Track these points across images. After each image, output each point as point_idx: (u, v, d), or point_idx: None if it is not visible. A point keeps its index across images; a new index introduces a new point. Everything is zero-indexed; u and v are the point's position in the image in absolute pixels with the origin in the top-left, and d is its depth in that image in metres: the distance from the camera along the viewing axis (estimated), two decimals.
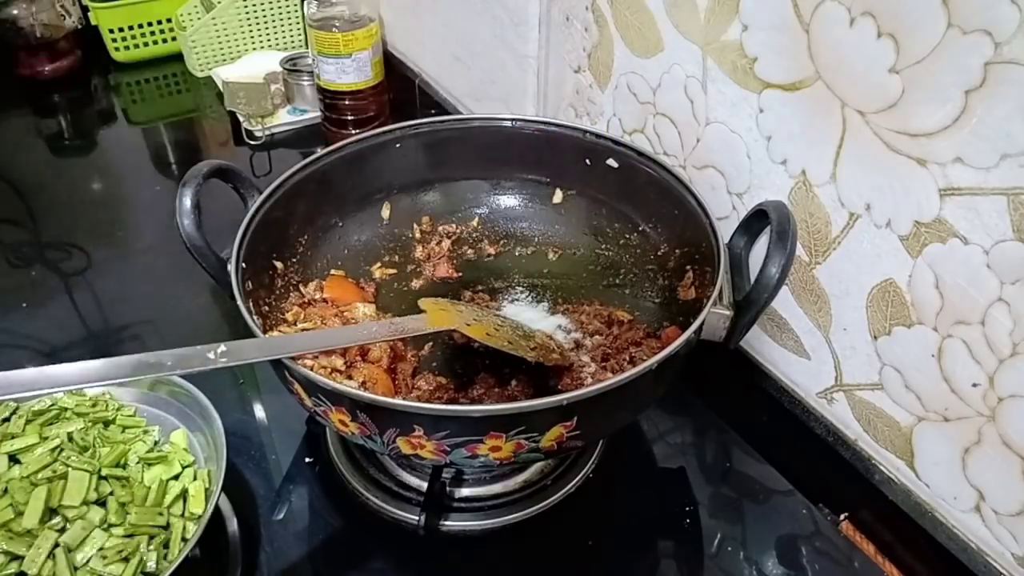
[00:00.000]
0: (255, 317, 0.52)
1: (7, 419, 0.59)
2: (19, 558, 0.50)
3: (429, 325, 0.53)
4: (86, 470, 0.55)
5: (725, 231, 0.56)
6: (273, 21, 1.23)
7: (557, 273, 0.71)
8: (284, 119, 1.10)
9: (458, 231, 0.74)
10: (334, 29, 0.97)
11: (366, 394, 0.45)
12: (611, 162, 0.66)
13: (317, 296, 0.64)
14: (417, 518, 0.56)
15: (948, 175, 0.47)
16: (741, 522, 0.60)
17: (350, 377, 0.57)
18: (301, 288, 0.64)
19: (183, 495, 0.56)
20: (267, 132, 1.07)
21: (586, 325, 0.63)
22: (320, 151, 0.64)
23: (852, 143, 0.52)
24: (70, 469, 0.55)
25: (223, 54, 1.22)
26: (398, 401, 0.49)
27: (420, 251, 0.72)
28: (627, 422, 0.64)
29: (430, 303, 0.55)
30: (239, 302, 0.51)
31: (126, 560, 0.51)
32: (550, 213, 0.73)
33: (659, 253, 0.66)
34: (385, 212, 0.72)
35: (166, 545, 0.53)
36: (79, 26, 1.23)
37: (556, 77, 0.83)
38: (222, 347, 0.44)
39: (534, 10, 0.81)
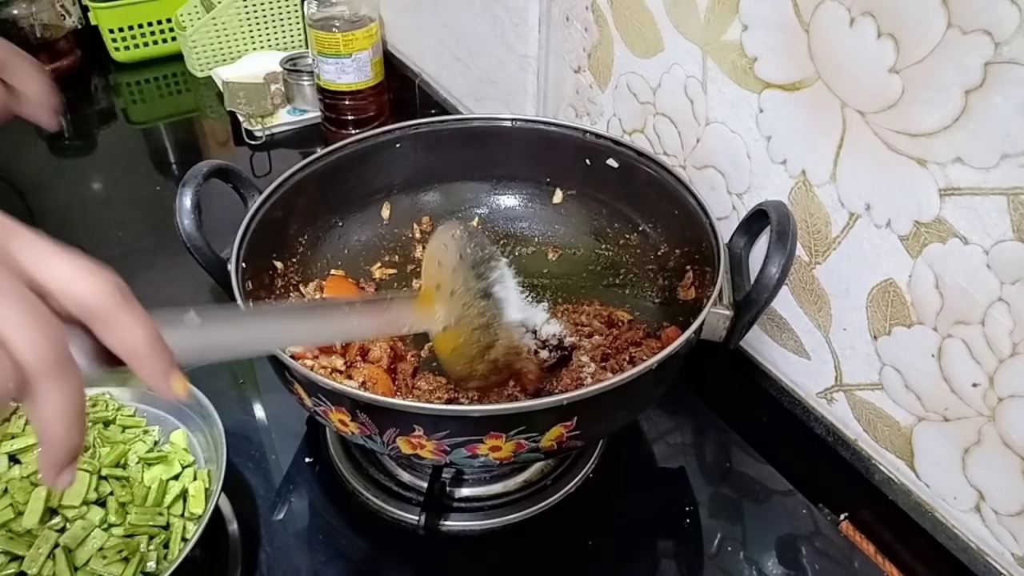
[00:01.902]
0: None
1: (7, 419, 0.59)
2: (19, 558, 0.51)
3: (414, 319, 0.51)
4: (86, 470, 0.55)
5: (725, 231, 0.56)
6: (273, 21, 1.23)
7: (557, 273, 0.71)
8: (284, 119, 1.10)
9: None
10: (334, 29, 0.97)
11: (366, 394, 0.45)
12: (611, 162, 0.66)
13: (317, 296, 0.64)
14: (417, 518, 0.56)
15: (948, 175, 0.47)
16: (741, 522, 0.60)
17: (350, 377, 0.57)
18: (301, 288, 0.64)
19: (183, 495, 0.56)
20: (267, 132, 1.07)
21: (586, 325, 0.63)
22: (320, 151, 0.64)
23: (852, 143, 0.52)
24: None
25: (223, 54, 1.22)
26: (398, 401, 0.49)
27: (420, 251, 0.72)
28: (627, 422, 0.64)
29: (431, 287, 0.52)
30: (239, 302, 0.51)
31: (126, 560, 0.51)
32: (550, 213, 0.73)
33: (659, 253, 0.66)
34: (385, 212, 0.72)
35: (166, 545, 0.53)
36: (79, 26, 1.23)
37: (556, 77, 0.83)
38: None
39: (534, 10, 0.81)
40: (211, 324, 0.35)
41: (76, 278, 0.29)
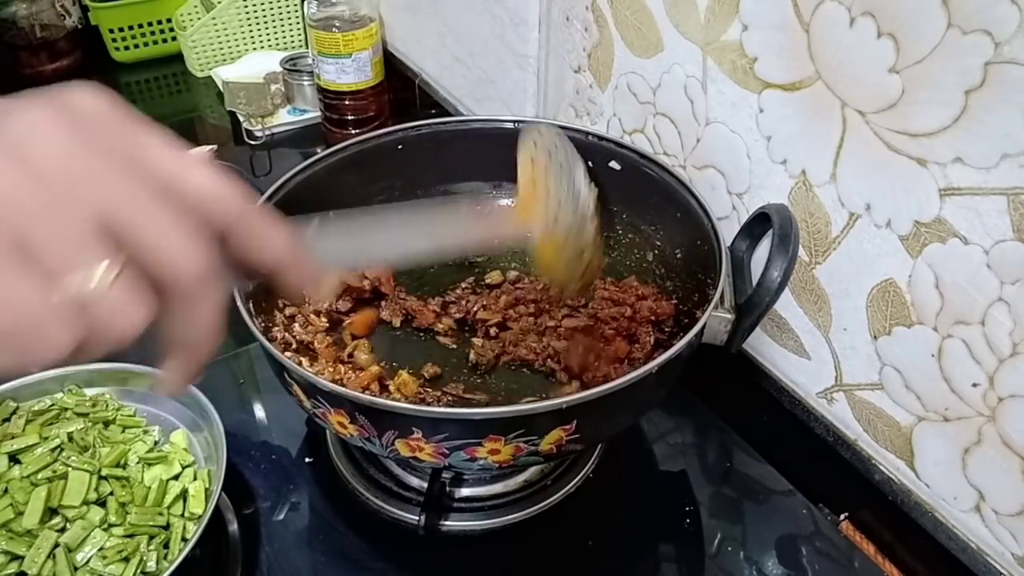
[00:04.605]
0: (256, 319, 0.52)
1: (7, 419, 0.59)
2: (19, 558, 0.51)
3: (517, 221, 0.50)
4: (86, 470, 0.55)
5: (725, 231, 0.56)
6: (273, 21, 1.23)
7: None
8: (284, 119, 1.10)
9: None
10: (334, 29, 0.97)
11: (365, 396, 0.45)
12: (613, 164, 0.66)
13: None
14: (417, 518, 0.57)
15: (948, 175, 0.46)
16: (741, 522, 0.60)
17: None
18: None
19: (183, 495, 0.56)
20: (267, 132, 1.07)
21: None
22: (321, 152, 0.64)
23: (852, 143, 0.52)
24: (70, 469, 0.55)
25: (223, 54, 1.22)
26: (397, 404, 0.49)
27: None
28: (627, 425, 0.64)
29: (528, 187, 0.51)
30: (239, 303, 0.50)
31: (126, 560, 0.51)
32: None
33: (660, 255, 0.65)
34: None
35: (166, 545, 0.53)
36: (79, 26, 1.23)
37: (556, 77, 0.83)
38: None
39: (534, 10, 0.80)
40: (329, 230, 0.35)
41: (217, 187, 0.28)
